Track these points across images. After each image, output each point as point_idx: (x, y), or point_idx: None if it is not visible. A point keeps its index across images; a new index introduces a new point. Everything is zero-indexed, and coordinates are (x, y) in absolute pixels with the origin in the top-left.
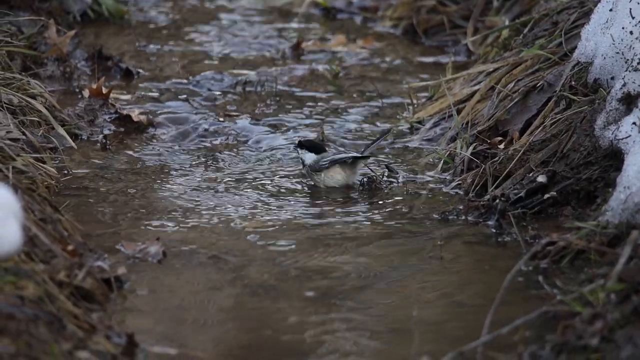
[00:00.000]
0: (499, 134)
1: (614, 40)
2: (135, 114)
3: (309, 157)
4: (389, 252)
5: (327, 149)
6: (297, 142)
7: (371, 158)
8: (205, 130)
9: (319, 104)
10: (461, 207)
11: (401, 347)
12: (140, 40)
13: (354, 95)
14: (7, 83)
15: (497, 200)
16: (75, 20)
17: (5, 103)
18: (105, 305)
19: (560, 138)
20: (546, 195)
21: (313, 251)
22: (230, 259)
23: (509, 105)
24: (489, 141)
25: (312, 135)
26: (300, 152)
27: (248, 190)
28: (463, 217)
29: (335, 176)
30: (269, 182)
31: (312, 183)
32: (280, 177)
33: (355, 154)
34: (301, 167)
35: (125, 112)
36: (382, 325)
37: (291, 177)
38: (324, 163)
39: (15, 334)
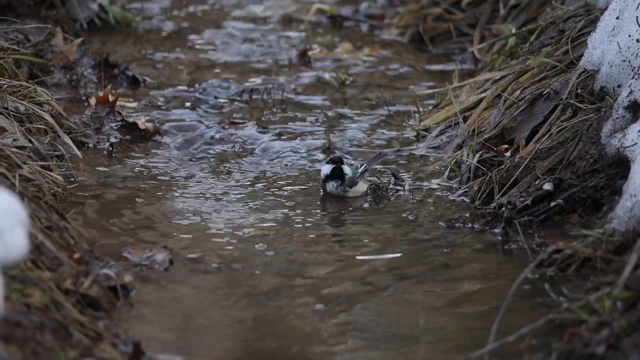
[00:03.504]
0: (506, 142)
1: (620, 48)
2: (142, 121)
3: (348, 170)
4: (395, 260)
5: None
6: (332, 159)
7: (378, 166)
8: (212, 138)
9: (326, 111)
10: (467, 214)
11: (408, 356)
12: (146, 48)
13: (361, 103)
14: (14, 91)
15: (504, 208)
16: (82, 28)
17: (12, 111)
18: (111, 313)
19: (566, 146)
20: (552, 203)
21: (319, 260)
22: (237, 267)
23: (516, 113)
24: (495, 149)
25: (318, 143)
26: (344, 167)
27: (255, 198)
28: (469, 225)
29: (363, 187)
30: (276, 190)
31: (336, 193)
32: (287, 185)
33: (367, 163)
34: (336, 183)
35: (131, 119)
36: (388, 334)
37: (298, 184)
38: (358, 175)
39: (21, 341)
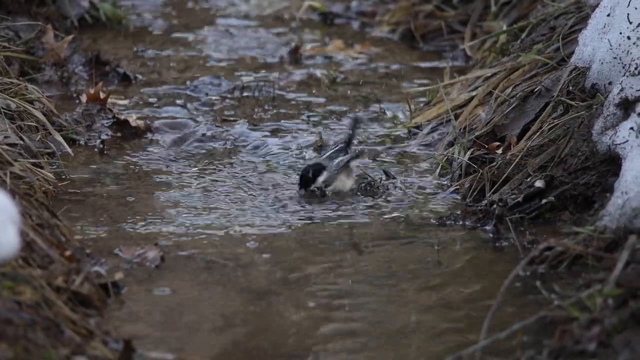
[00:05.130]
0: (497, 139)
1: (611, 45)
2: (133, 119)
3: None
4: (387, 257)
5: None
6: (308, 173)
7: (370, 163)
8: (203, 135)
9: (317, 109)
10: (459, 212)
11: (399, 352)
12: (138, 45)
13: (352, 100)
14: (4, 88)
15: (495, 206)
16: (72, 25)
17: (2, 108)
18: (102, 310)
19: (557, 143)
20: (544, 201)
21: (311, 257)
22: (228, 264)
23: (507, 110)
24: (486, 146)
25: (310, 139)
26: (319, 180)
27: (247, 195)
28: (461, 222)
29: (348, 183)
30: (268, 187)
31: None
32: (279, 182)
33: (346, 158)
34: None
35: (122, 117)
36: (380, 331)
37: (289, 182)
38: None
39: (12, 339)
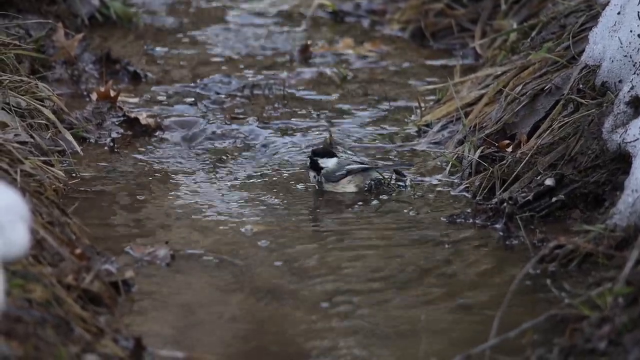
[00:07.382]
0: (507, 137)
1: (622, 44)
2: (143, 117)
3: (331, 163)
4: (397, 255)
5: (337, 153)
6: (311, 152)
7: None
8: (213, 133)
9: (327, 107)
10: (469, 210)
11: (409, 351)
12: (148, 43)
13: (362, 98)
14: (15, 86)
15: (505, 204)
16: (83, 23)
17: (13, 106)
18: (113, 308)
19: (568, 141)
20: (554, 199)
21: (321, 255)
22: (238, 262)
23: (517, 109)
24: (496, 144)
25: (319, 139)
26: (320, 161)
27: (256, 193)
28: (471, 221)
29: (349, 187)
30: (277, 185)
31: (323, 189)
32: (289, 181)
33: (367, 166)
34: (314, 175)
35: (133, 115)
36: (389, 329)
37: (299, 180)
38: (341, 173)
39: (23, 336)
